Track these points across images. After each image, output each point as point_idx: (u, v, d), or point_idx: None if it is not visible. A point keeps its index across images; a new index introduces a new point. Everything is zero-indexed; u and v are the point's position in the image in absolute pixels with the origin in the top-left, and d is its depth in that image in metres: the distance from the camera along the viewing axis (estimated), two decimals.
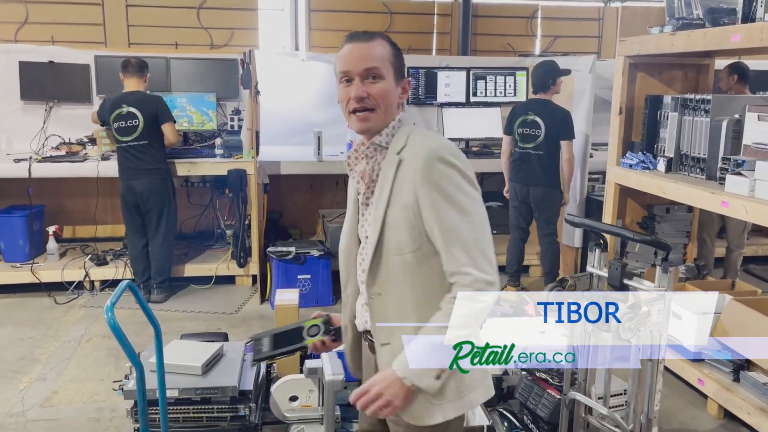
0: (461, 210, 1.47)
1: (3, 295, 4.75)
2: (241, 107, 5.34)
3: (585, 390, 2.37)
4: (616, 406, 2.57)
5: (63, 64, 5.26)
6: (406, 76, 1.61)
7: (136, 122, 4.43)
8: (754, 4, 2.99)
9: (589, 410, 2.45)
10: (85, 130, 5.22)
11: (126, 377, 2.60)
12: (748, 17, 3.04)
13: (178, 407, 2.53)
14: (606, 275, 2.19)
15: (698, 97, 3.57)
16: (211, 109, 5.26)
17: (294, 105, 5.60)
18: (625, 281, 2.15)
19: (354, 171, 1.64)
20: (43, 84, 5.22)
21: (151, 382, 2.35)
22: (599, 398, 2.46)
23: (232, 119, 5.42)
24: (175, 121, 4.68)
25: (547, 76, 4.54)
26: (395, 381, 1.44)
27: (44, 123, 5.22)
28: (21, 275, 4.77)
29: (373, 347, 1.62)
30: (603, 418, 2.35)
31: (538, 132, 4.50)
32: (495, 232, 2.89)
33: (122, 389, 2.51)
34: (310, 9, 6.32)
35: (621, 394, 2.78)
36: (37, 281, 4.75)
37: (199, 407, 2.55)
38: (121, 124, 4.45)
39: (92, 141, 5.19)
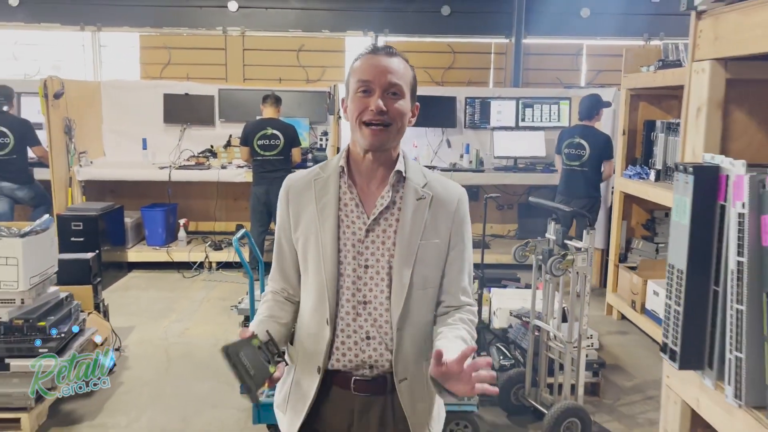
0: (470, 244, 1.60)
1: (147, 270, 6.26)
2: (328, 130, 6.67)
3: (545, 321, 3.40)
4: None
5: (194, 96, 6.80)
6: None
7: (278, 142, 5.75)
8: None
9: (549, 339, 3.47)
10: (208, 145, 6.73)
11: (239, 302, 3.88)
12: None
13: None
14: (554, 238, 3.24)
15: (677, 120, 4.50)
16: (305, 130, 6.61)
17: None
18: (565, 241, 3.19)
19: (349, 191, 1.54)
20: (180, 111, 6.78)
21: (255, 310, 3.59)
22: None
23: (321, 139, 6.76)
24: (300, 145, 6.04)
25: (593, 107, 5.52)
26: None
27: (179, 140, 6.77)
28: (159, 255, 6.28)
29: (366, 387, 1.53)
30: (555, 338, 3.36)
31: (582, 152, 5.45)
32: (540, 238, 3.92)
33: (237, 308, 3.79)
34: None
35: (589, 337, 3.77)
36: (171, 260, 6.23)
37: None
38: (265, 142, 5.74)
39: (213, 154, 6.69)
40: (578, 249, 3.11)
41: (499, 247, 6.35)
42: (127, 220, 6.30)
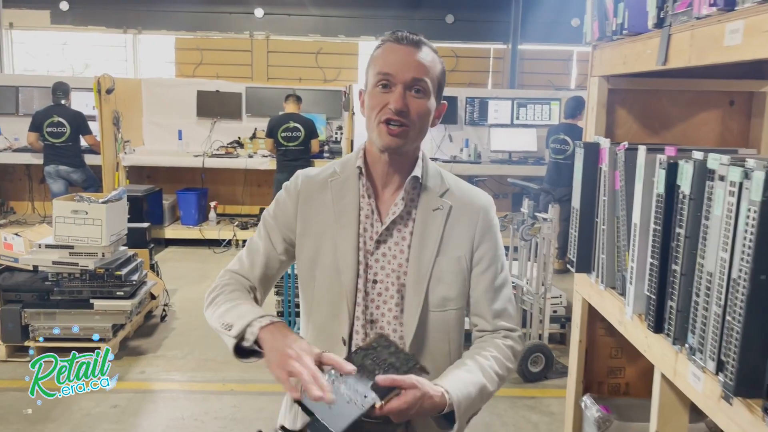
0: (504, 263, 1.45)
1: (181, 246, 7.10)
2: (343, 125, 7.48)
3: (519, 278, 4.20)
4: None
5: (224, 92, 7.64)
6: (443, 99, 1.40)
7: (299, 134, 6.57)
8: None
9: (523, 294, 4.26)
10: (236, 136, 7.56)
11: None
12: None
13: None
14: (527, 211, 4.04)
15: None
16: (322, 125, 7.42)
17: None
18: (536, 214, 3.99)
19: (367, 196, 1.39)
20: (211, 106, 7.61)
21: None
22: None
23: (336, 133, 7.58)
24: (318, 137, 6.83)
25: (576, 107, 6.35)
26: (441, 399, 1.19)
27: (210, 132, 7.60)
28: (192, 233, 7.12)
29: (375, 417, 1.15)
30: (528, 292, 4.16)
31: (566, 147, 6.27)
32: (517, 212, 4.74)
33: None
34: None
35: (558, 297, 4.57)
36: (203, 238, 7.07)
37: None
38: (288, 134, 6.58)
39: (241, 145, 7.52)
40: (544, 219, 3.91)
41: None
42: (164, 202, 7.14)
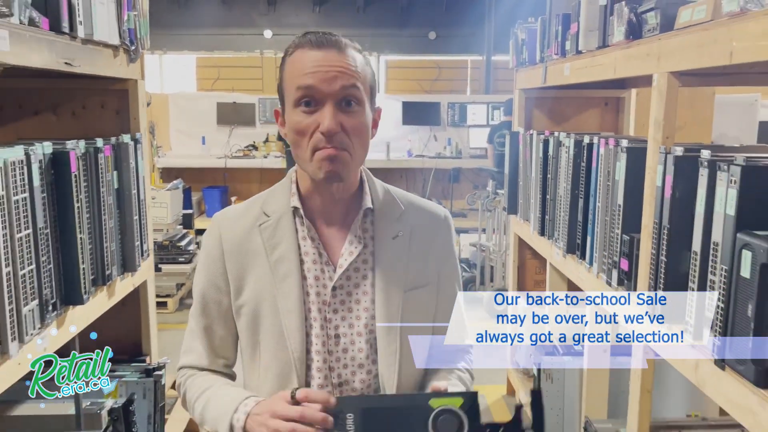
0: (459, 277, 1.32)
1: None
2: None
3: (486, 240, 5.44)
4: None
5: (240, 103, 8.84)
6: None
7: None
8: None
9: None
10: (251, 141, 8.78)
11: None
12: None
13: None
14: (490, 189, 5.29)
15: None
16: None
17: None
18: (497, 190, 5.24)
19: (310, 239, 1.19)
20: (229, 115, 8.83)
21: None
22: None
23: None
24: None
25: (510, 107, 7.58)
26: None
27: (229, 137, 8.81)
28: None
29: None
30: (493, 251, 5.40)
31: None
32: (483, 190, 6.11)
33: None
34: (387, 66, 9.72)
35: None
36: None
37: None
38: None
39: (255, 148, 8.74)
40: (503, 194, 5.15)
41: (475, 217, 8.40)
42: (192, 198, 8.33)
